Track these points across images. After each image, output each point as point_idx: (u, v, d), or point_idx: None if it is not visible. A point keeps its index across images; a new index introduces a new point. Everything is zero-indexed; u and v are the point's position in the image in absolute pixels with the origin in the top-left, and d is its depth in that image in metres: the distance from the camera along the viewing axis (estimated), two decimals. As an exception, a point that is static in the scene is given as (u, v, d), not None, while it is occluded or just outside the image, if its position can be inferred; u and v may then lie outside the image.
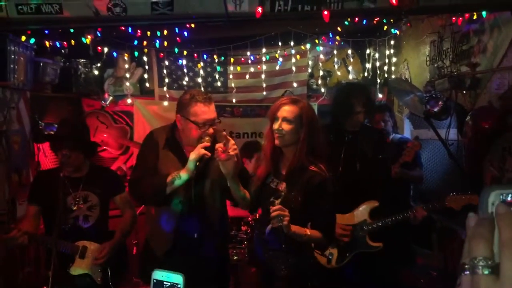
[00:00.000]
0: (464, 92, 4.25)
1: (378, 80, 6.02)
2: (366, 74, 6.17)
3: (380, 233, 3.26)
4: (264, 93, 6.06)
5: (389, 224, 3.23)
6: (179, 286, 1.66)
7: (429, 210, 3.22)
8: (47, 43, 4.68)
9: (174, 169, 2.68)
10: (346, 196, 3.18)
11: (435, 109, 4.21)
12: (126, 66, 5.90)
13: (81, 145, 3.25)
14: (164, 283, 1.67)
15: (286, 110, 2.62)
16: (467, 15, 3.92)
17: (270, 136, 2.69)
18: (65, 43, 4.83)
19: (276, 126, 2.60)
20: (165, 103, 5.91)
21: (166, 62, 5.97)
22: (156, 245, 2.89)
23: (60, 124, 3.57)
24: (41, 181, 3.32)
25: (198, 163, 2.59)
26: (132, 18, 3.14)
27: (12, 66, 4.09)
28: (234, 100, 6.13)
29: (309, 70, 6.26)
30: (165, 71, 6.00)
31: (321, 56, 6.10)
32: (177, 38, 5.28)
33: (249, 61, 5.92)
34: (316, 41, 5.86)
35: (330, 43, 5.99)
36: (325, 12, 3.06)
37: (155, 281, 1.68)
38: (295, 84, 6.02)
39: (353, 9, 3.20)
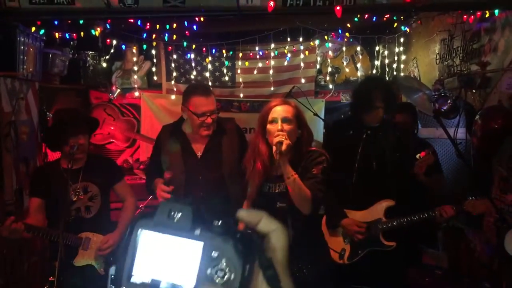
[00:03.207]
0: (474, 91, 4.23)
1: (387, 78, 6.00)
2: (374, 71, 6.15)
3: (392, 232, 3.19)
4: (272, 88, 6.06)
5: (404, 225, 3.15)
6: None
7: (456, 212, 3.10)
8: (56, 34, 4.69)
9: (176, 159, 2.96)
10: (361, 192, 3.15)
11: (444, 108, 4.19)
12: (134, 59, 5.91)
13: (90, 128, 3.30)
14: None
15: (283, 110, 2.56)
16: (478, 13, 3.90)
17: (262, 141, 2.62)
18: (74, 34, 4.83)
19: (277, 127, 2.50)
20: (173, 97, 5.91)
21: (175, 56, 5.96)
22: None
23: (65, 113, 3.54)
24: (40, 176, 3.31)
25: None
26: (143, 10, 3.14)
27: (21, 57, 4.09)
28: (241, 95, 6.13)
29: (317, 66, 6.24)
30: (173, 65, 5.99)
31: (330, 53, 6.07)
32: (186, 32, 5.28)
33: (258, 56, 5.91)
34: (326, 37, 5.84)
35: (339, 39, 5.96)
36: (338, 8, 3.04)
37: (112, 277, 1.64)
38: (303, 80, 6.01)
39: (366, 5, 3.17)
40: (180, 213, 0.58)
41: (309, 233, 2.68)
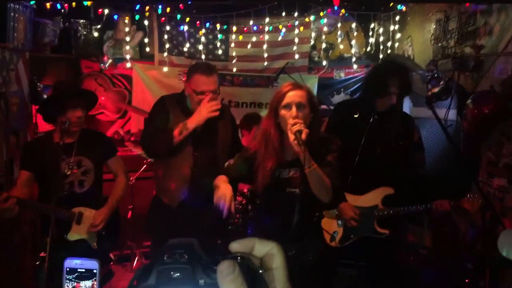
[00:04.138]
0: (467, 74, 4.24)
1: (381, 56, 5.99)
2: (369, 48, 6.12)
3: (387, 219, 3.19)
4: (265, 63, 6.03)
5: (400, 214, 3.15)
6: (95, 271, 1.57)
7: (452, 208, 3.07)
8: (47, 4, 4.59)
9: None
10: (362, 176, 3.13)
11: (436, 89, 4.21)
12: (127, 29, 5.79)
13: (88, 102, 3.29)
14: (79, 270, 1.58)
15: (297, 95, 2.48)
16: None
17: (274, 127, 2.54)
18: (65, 4, 4.74)
19: (292, 113, 2.43)
20: (165, 69, 5.84)
21: (167, 27, 5.85)
22: (170, 198, 3.15)
23: (65, 85, 3.48)
24: (33, 149, 3.26)
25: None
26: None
27: (12, 23, 4.02)
28: (234, 69, 6.08)
29: (312, 42, 6.20)
30: (166, 36, 5.89)
31: (325, 28, 6.01)
32: (180, 5, 5.19)
33: (252, 31, 5.84)
34: (321, 13, 5.77)
35: (334, 15, 5.90)
36: (336, -2, 2.99)
37: (68, 269, 1.58)
38: (296, 56, 5.96)
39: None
40: (180, 273, 0.58)
41: (314, 218, 2.72)
